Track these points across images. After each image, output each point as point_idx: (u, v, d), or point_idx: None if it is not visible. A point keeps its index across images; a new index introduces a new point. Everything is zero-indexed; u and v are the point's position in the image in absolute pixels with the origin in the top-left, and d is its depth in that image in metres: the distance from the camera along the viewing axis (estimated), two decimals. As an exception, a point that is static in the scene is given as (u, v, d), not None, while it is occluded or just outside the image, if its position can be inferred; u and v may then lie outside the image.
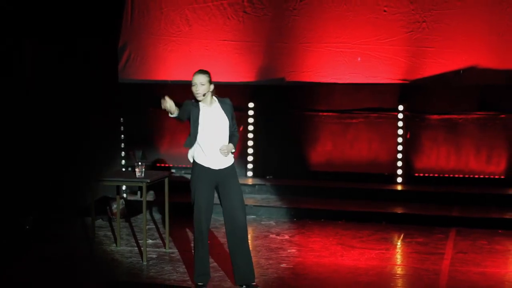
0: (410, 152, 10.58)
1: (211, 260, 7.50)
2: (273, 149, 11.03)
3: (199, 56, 10.93)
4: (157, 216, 9.86)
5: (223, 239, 8.39)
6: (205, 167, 6.63)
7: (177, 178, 10.66)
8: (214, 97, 6.71)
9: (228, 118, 6.65)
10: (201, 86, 6.56)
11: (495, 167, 10.28)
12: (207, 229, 6.72)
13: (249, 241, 8.50)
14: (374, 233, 8.93)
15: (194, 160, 6.69)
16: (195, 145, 6.66)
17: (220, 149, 6.61)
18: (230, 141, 6.70)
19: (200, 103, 6.64)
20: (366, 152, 10.76)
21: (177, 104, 6.75)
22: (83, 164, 9.50)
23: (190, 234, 8.74)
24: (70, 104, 9.52)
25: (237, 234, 6.68)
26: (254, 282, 6.77)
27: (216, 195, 6.78)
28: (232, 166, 6.73)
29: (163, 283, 6.99)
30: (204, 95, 6.58)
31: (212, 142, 6.61)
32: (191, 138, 6.66)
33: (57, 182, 9.22)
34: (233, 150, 6.71)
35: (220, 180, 6.67)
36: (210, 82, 6.62)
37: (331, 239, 8.67)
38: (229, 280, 7.06)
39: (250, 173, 11.09)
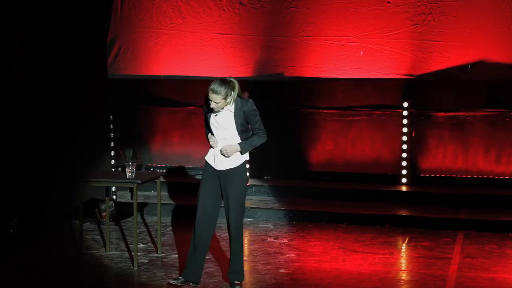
0: (415, 151, 10.58)
1: (208, 265, 7.51)
2: (271, 148, 10.96)
3: (192, 50, 10.93)
4: (148, 219, 9.85)
5: (220, 244, 8.41)
6: (211, 166, 6.91)
7: (170, 178, 10.64)
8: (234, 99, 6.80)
9: (237, 122, 6.76)
10: (215, 104, 6.71)
11: (505, 167, 10.28)
12: (203, 224, 6.90)
13: (246, 245, 8.57)
14: (377, 236, 8.93)
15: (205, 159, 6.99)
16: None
17: (221, 149, 6.79)
18: (245, 141, 6.83)
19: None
20: (369, 151, 10.77)
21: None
22: (71, 164, 9.49)
23: (183, 238, 8.72)
24: (57, 102, 9.51)
25: (231, 234, 6.91)
26: (238, 281, 6.96)
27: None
28: (237, 169, 6.89)
29: (155, 290, 7.00)
30: (213, 110, 6.74)
31: (221, 143, 6.85)
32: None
33: (43, 183, 9.19)
34: (242, 152, 6.83)
35: (222, 179, 6.89)
36: (228, 94, 6.68)
37: (332, 243, 8.67)
38: (224, 287, 7.05)
39: (247, 174, 11.06)
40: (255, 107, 6.84)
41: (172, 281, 7.06)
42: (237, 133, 6.81)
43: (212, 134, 6.88)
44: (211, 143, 6.85)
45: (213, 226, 7.01)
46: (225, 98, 6.67)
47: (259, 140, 6.92)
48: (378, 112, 10.73)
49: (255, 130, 6.89)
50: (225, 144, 6.82)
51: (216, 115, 6.79)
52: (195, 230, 6.95)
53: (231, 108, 6.77)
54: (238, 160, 6.89)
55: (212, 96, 6.64)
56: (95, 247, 8.57)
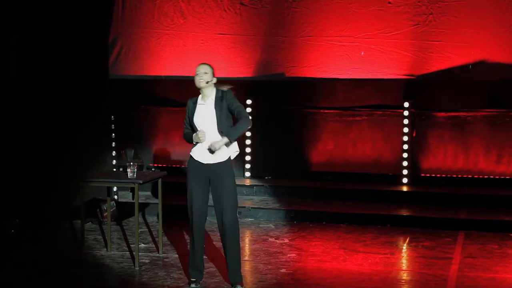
0: (416, 151, 10.59)
1: (208, 265, 7.51)
2: (272, 148, 11.03)
3: (194, 50, 10.95)
4: (150, 219, 9.85)
5: (220, 243, 8.39)
6: (197, 160, 6.91)
7: (171, 178, 10.63)
8: (215, 89, 6.92)
9: (217, 112, 6.84)
10: (204, 74, 6.89)
11: (506, 167, 10.29)
12: (201, 222, 6.94)
13: (247, 245, 8.58)
14: (378, 236, 8.93)
15: (190, 154, 6.98)
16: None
17: (209, 147, 6.82)
18: (230, 129, 6.83)
19: (198, 99, 6.94)
20: (370, 151, 10.78)
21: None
22: (72, 165, 9.50)
23: (184, 238, 8.73)
24: (58, 102, 9.52)
25: (226, 233, 6.90)
26: (241, 281, 6.95)
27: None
28: (225, 162, 6.89)
29: (156, 290, 6.99)
30: (207, 82, 6.86)
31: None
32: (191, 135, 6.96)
33: (45, 184, 9.20)
34: (232, 139, 6.79)
35: (212, 175, 6.90)
36: (213, 75, 6.92)
37: (333, 243, 8.67)
38: (225, 287, 7.05)
39: (248, 174, 11.09)
40: (233, 95, 6.95)
41: (192, 286, 7.02)
42: (216, 125, 6.81)
43: (196, 131, 6.89)
44: (200, 137, 6.80)
45: (205, 223, 7.07)
46: (212, 74, 6.88)
47: (244, 124, 6.88)
48: (379, 112, 10.74)
49: (238, 114, 6.86)
50: (207, 138, 6.85)
51: (201, 105, 6.87)
52: (193, 231, 6.96)
53: (212, 98, 6.87)
54: (226, 155, 6.89)
55: (201, 66, 6.90)
56: (96, 247, 8.57)
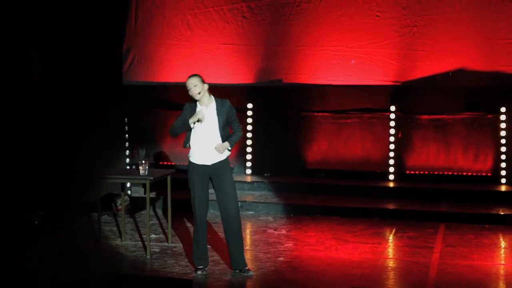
0: (401, 150, 10.62)
1: (213, 254, 7.57)
2: (270, 148, 11.05)
3: (200, 59, 10.97)
4: (160, 212, 9.90)
5: (222, 234, 8.45)
6: (199, 164, 6.95)
7: (179, 175, 10.68)
8: (212, 97, 6.96)
9: (220, 119, 6.91)
10: (194, 87, 6.87)
11: (482, 165, 10.32)
12: (204, 215, 7.02)
13: (248, 236, 8.63)
14: (367, 228, 8.96)
15: (189, 159, 7.03)
16: (191, 143, 6.98)
17: (215, 148, 6.91)
18: (229, 138, 6.97)
19: (197, 104, 6.94)
20: (360, 150, 10.79)
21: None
22: (90, 162, 9.53)
23: (191, 229, 8.77)
24: (77, 105, 9.56)
25: (230, 224, 6.98)
26: (246, 267, 7.05)
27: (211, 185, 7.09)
28: (225, 161, 7.01)
29: (166, 276, 7.02)
30: (199, 93, 6.88)
31: (205, 140, 6.92)
32: (187, 138, 7.00)
33: (66, 180, 9.25)
34: (229, 148, 6.99)
35: (213, 173, 6.98)
36: (203, 82, 6.93)
37: (326, 233, 8.71)
38: (229, 273, 7.12)
39: (248, 171, 11.12)
40: (231, 105, 7.04)
41: (199, 272, 7.07)
42: (218, 130, 6.91)
43: (189, 130, 6.94)
44: (200, 116, 6.83)
45: (207, 216, 7.16)
46: (201, 82, 6.87)
47: (239, 136, 7.09)
48: (368, 115, 10.75)
49: (234, 127, 7.05)
50: (207, 141, 6.92)
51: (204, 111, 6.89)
52: (197, 224, 7.01)
53: (213, 105, 6.91)
54: (226, 152, 7.01)
55: (189, 81, 6.86)
56: (112, 237, 8.63)
